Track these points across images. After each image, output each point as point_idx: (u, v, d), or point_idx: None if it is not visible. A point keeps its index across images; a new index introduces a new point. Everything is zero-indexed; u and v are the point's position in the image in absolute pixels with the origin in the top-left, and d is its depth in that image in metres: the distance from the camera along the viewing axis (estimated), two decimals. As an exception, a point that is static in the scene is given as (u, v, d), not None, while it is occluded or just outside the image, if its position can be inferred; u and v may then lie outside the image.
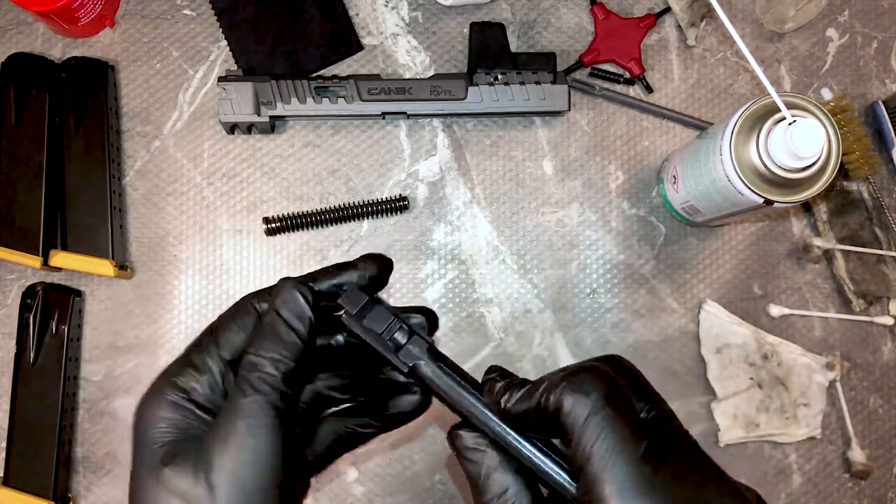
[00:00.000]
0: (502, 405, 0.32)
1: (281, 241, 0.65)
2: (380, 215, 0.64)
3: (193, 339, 0.35)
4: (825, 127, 0.49)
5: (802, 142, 0.47)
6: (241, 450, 0.31)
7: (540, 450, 0.32)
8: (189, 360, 0.34)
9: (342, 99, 0.62)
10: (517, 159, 0.66)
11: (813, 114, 0.50)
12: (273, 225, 0.63)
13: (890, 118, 0.65)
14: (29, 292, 0.61)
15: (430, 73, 0.65)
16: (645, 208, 0.66)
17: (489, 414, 0.33)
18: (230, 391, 0.33)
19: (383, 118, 0.64)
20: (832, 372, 0.64)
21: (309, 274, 0.36)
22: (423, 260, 0.65)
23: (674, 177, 0.60)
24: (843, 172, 0.65)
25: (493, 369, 0.34)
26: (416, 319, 0.37)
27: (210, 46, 0.65)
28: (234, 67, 0.65)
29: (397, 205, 0.64)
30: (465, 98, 0.62)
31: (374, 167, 0.65)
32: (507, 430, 0.32)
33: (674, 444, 0.30)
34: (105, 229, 0.61)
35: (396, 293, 0.64)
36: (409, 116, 0.64)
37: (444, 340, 0.64)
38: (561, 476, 0.31)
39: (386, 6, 0.66)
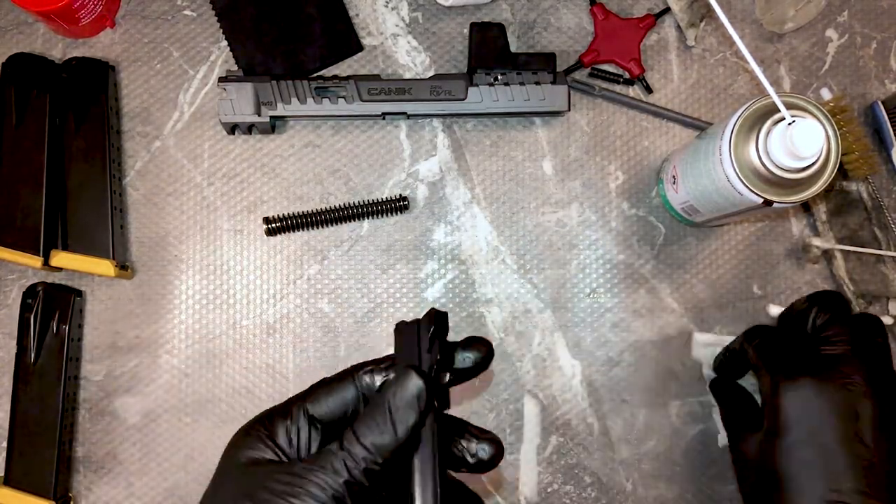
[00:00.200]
0: None
1: (281, 241, 0.65)
2: (380, 215, 0.64)
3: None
4: (824, 127, 0.49)
5: (802, 142, 0.47)
6: None
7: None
8: (286, 405, 0.37)
9: (342, 99, 0.62)
10: (517, 159, 0.66)
11: (812, 114, 0.50)
12: (273, 225, 0.63)
13: (889, 118, 0.65)
14: (30, 292, 0.61)
15: (430, 74, 0.65)
16: (645, 208, 0.66)
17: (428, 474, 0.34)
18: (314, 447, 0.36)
19: (383, 118, 0.64)
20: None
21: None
22: (423, 260, 0.65)
23: (673, 177, 0.61)
24: (842, 172, 0.65)
25: None
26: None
27: (210, 47, 0.66)
28: (235, 68, 0.65)
29: (397, 205, 0.64)
30: (465, 98, 0.62)
31: (374, 167, 0.65)
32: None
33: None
34: (105, 229, 0.61)
35: (396, 293, 0.64)
36: (409, 116, 0.64)
37: (444, 340, 0.64)
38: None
39: (386, 6, 0.66)
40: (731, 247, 0.66)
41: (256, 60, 0.64)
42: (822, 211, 0.65)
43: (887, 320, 0.65)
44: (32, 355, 0.60)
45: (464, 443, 0.37)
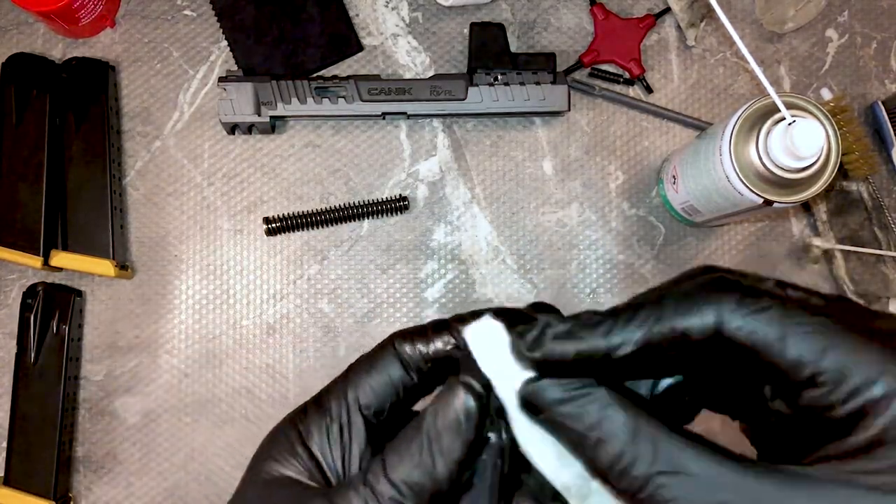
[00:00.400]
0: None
1: (281, 241, 0.65)
2: (380, 215, 0.64)
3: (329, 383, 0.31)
4: (825, 127, 0.49)
5: (802, 142, 0.47)
6: None
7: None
8: (322, 396, 0.30)
9: (342, 99, 0.62)
10: (517, 159, 0.66)
11: (812, 114, 0.50)
12: (273, 225, 0.63)
13: (889, 118, 0.65)
14: (30, 292, 0.61)
15: (430, 74, 0.65)
16: (645, 208, 0.66)
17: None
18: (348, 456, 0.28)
19: (383, 118, 0.64)
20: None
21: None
22: (423, 260, 0.65)
23: (673, 177, 0.61)
24: (842, 172, 0.65)
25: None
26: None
27: (210, 47, 0.66)
28: (235, 68, 0.65)
29: (397, 205, 0.64)
30: (465, 98, 0.62)
31: (375, 167, 0.65)
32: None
33: None
34: (106, 229, 0.61)
35: (396, 293, 0.64)
36: (409, 116, 0.64)
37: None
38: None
39: (386, 6, 0.66)
40: (731, 247, 0.66)
41: (256, 60, 0.64)
42: (822, 211, 0.65)
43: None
44: (32, 355, 0.60)
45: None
